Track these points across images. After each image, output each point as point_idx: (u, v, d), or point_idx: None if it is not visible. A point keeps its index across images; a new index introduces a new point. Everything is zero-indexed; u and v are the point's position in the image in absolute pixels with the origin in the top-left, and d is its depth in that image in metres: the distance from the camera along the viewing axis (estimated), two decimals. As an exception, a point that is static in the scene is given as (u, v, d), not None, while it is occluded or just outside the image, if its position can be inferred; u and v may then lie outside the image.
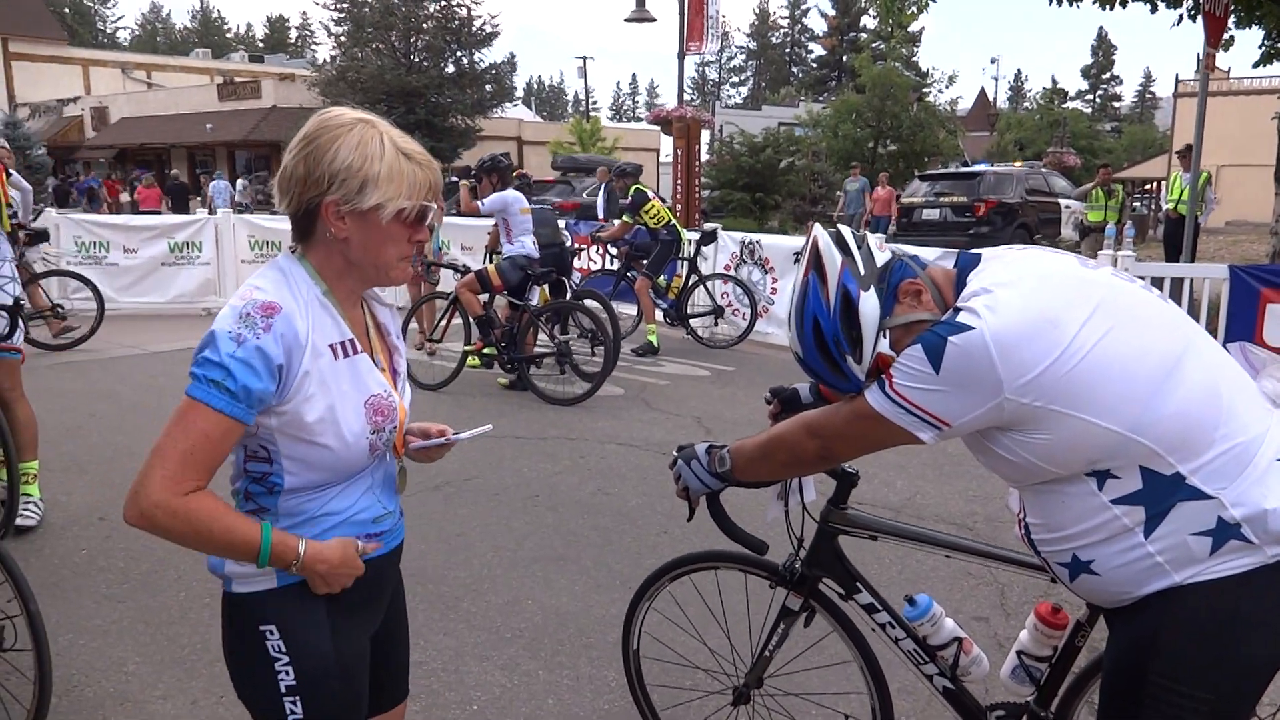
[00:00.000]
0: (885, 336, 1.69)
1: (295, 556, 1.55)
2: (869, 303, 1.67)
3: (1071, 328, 1.51)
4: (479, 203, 7.73)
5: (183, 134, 37.35)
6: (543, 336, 7.61)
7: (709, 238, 9.92)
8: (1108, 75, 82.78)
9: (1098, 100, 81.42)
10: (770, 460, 1.89)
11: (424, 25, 31.54)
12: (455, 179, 8.45)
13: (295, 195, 1.56)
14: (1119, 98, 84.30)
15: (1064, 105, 56.48)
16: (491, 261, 8.18)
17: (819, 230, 1.77)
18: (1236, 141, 23.88)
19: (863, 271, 1.70)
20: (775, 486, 2.21)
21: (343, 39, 32.26)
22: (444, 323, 7.83)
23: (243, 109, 36.03)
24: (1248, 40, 26.43)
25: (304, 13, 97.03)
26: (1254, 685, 1.57)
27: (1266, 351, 1.70)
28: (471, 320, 7.57)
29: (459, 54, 32.37)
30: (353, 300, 1.66)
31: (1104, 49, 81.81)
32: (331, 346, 1.57)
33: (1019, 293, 1.55)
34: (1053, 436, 1.53)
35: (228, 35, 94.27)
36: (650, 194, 9.28)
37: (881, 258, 1.73)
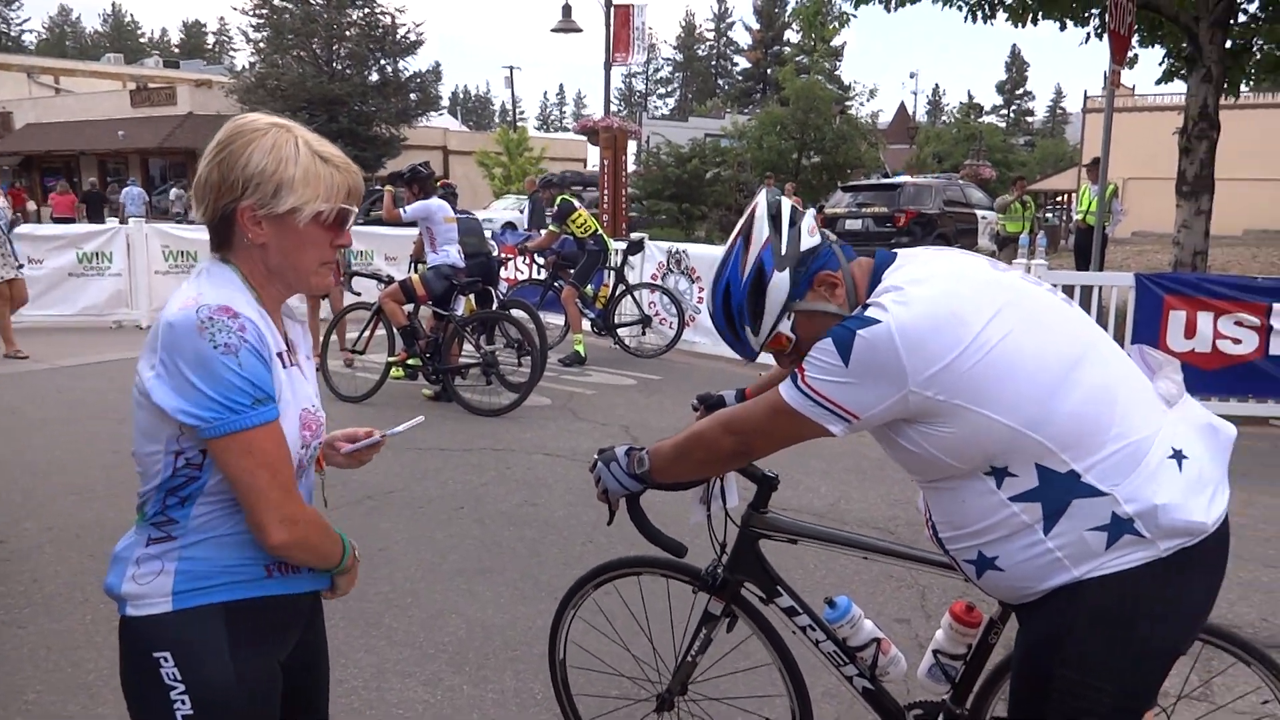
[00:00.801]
0: (789, 318, 1.74)
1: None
2: (779, 283, 1.73)
3: (976, 325, 1.55)
4: (401, 210, 7.63)
5: (93, 141, 36.12)
6: (468, 347, 7.53)
7: (636, 247, 9.94)
8: (1021, 91, 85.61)
9: (1012, 115, 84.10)
10: (687, 459, 1.89)
11: (346, 33, 31.09)
12: (379, 187, 8.30)
13: (210, 202, 1.53)
14: (1032, 113, 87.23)
15: (980, 119, 58.12)
16: (416, 271, 8.08)
17: (761, 198, 1.81)
18: (1141, 155, 24.86)
19: (784, 251, 1.73)
20: (697, 490, 2.21)
21: (262, 45, 31.58)
22: (367, 334, 7.70)
23: (157, 116, 34.98)
24: (1151, 58, 27.47)
25: (222, 18, 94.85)
26: (1156, 673, 1.62)
27: (1164, 354, 1.75)
28: (395, 331, 7.45)
29: (383, 62, 31.96)
30: (277, 311, 1.63)
31: (1017, 65, 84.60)
32: (275, 355, 1.54)
33: (928, 290, 1.60)
34: (954, 430, 1.57)
35: (141, 40, 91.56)
36: (577, 204, 9.27)
37: (809, 242, 1.74)
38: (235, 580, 1.55)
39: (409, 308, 7.48)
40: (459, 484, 5.36)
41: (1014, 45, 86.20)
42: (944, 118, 76.11)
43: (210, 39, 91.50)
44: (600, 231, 9.28)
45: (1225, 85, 9.80)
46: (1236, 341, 7.03)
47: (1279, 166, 27.55)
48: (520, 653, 3.45)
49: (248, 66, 33.25)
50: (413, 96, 33.39)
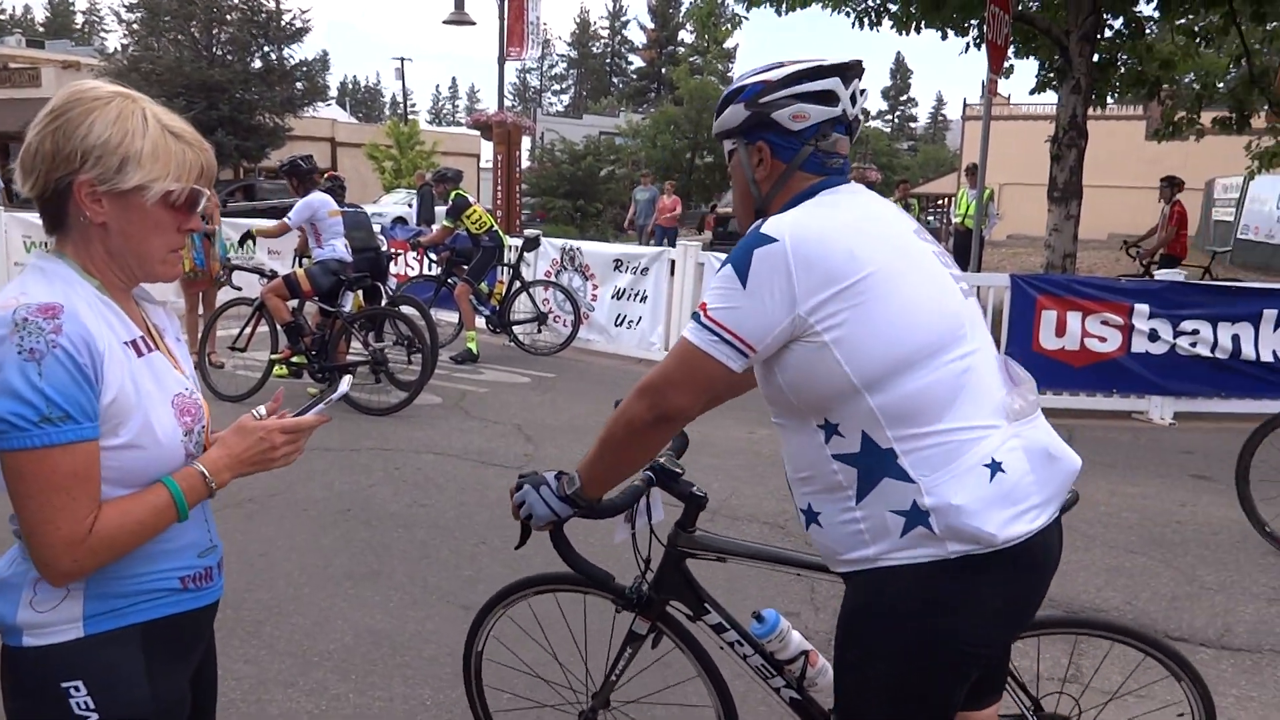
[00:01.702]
0: (731, 145, 1.80)
1: (204, 481, 1.46)
2: (734, 113, 1.75)
3: (866, 269, 1.56)
4: (286, 219, 7.36)
5: (-55, 123, 33.76)
6: (356, 344, 7.32)
7: (532, 244, 9.85)
8: (905, 97, 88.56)
9: (896, 120, 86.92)
10: (613, 448, 1.77)
11: (227, 16, 29.82)
12: (261, 178, 7.98)
13: (41, 175, 1.39)
14: (915, 119, 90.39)
15: (866, 124, 59.75)
16: (301, 266, 7.82)
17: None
18: (1016, 162, 25.98)
19: (761, 100, 1.72)
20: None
21: (136, 26, 30.06)
22: (248, 330, 7.40)
23: (19, 98, 32.81)
24: (1026, 69, 28.83)
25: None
26: (937, 672, 1.63)
27: (1027, 373, 1.77)
28: (279, 327, 7.19)
29: (266, 49, 30.80)
30: (126, 296, 1.51)
31: (901, 73, 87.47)
32: (125, 345, 1.42)
33: (833, 219, 1.62)
34: (807, 366, 1.59)
35: (1, 17, 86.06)
36: (471, 199, 9.13)
37: (787, 122, 1.71)
38: (152, 598, 1.46)
39: (294, 303, 7.23)
40: (345, 485, 5.21)
41: (898, 53, 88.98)
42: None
43: (79, 19, 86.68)
44: (495, 227, 9.16)
45: (1093, 96, 10.33)
46: (1102, 340, 7.42)
47: (1140, 175, 29.26)
48: (408, 658, 3.37)
49: (120, 49, 31.61)
50: (298, 85, 32.28)
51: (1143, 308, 7.36)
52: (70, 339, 1.32)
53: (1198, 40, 11.18)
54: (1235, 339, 7.36)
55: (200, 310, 8.58)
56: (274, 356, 7.24)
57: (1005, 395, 1.65)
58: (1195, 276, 12.50)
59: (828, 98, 1.71)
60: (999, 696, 1.97)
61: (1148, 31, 11.24)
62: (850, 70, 1.73)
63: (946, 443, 1.57)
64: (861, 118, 1.78)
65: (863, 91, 1.76)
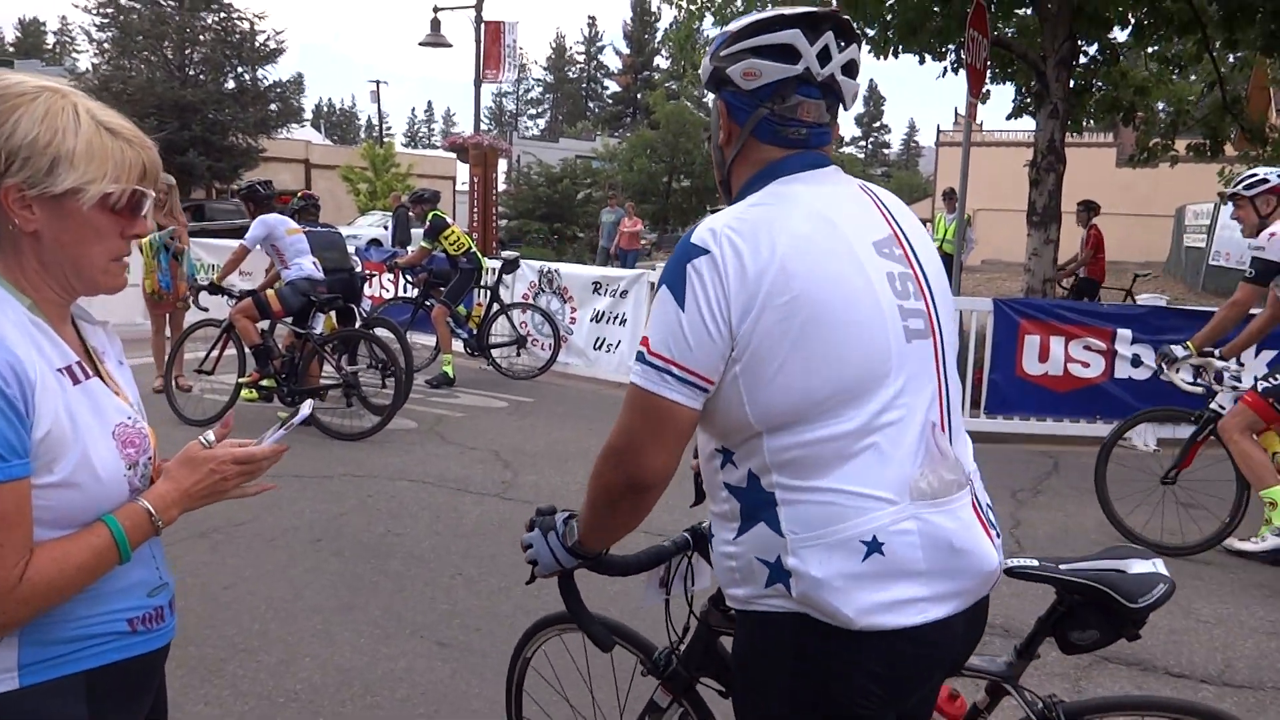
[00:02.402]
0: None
1: (150, 519, 1.33)
2: (705, 64, 1.59)
3: (792, 291, 1.36)
4: (243, 242, 7.16)
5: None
6: (329, 367, 7.13)
7: (511, 266, 9.71)
8: (878, 124, 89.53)
9: (870, 146, 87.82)
10: (596, 508, 1.54)
11: (200, 37, 29.63)
12: (234, 199, 7.79)
13: None
14: (888, 145, 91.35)
15: (840, 150, 60.43)
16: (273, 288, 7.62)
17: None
18: (990, 187, 26.18)
19: (722, 53, 1.53)
20: (656, 570, 1.89)
21: (107, 47, 29.78)
22: (215, 353, 7.19)
23: (-14, 117, 32.44)
24: (1001, 96, 29.07)
25: (63, 17, 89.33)
26: None
27: (962, 450, 1.53)
28: (247, 350, 6.99)
29: (240, 70, 30.61)
30: (62, 316, 1.36)
31: (875, 100, 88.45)
32: (59, 372, 1.27)
33: (772, 224, 1.41)
34: (716, 390, 1.43)
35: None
36: (449, 220, 8.99)
37: (740, 81, 1.52)
38: (97, 643, 1.32)
39: (264, 325, 7.04)
40: (316, 514, 5.01)
41: (871, 80, 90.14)
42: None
43: (50, 39, 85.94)
44: (474, 249, 9.02)
45: (1068, 121, 10.38)
46: (1085, 365, 7.37)
47: (1112, 201, 29.61)
48: (380, 699, 3.18)
49: (91, 68, 31.29)
50: (273, 107, 32.11)
51: (1125, 332, 7.33)
52: None
53: (1171, 67, 11.28)
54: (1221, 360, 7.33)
55: (168, 332, 8.36)
56: (241, 380, 7.03)
57: (913, 468, 1.42)
58: (1116, 298, 12.62)
59: (786, 52, 1.48)
60: None
61: (1121, 58, 11.33)
62: (817, 20, 1.49)
63: (828, 504, 1.39)
64: (844, 79, 1.53)
65: (842, 47, 1.51)
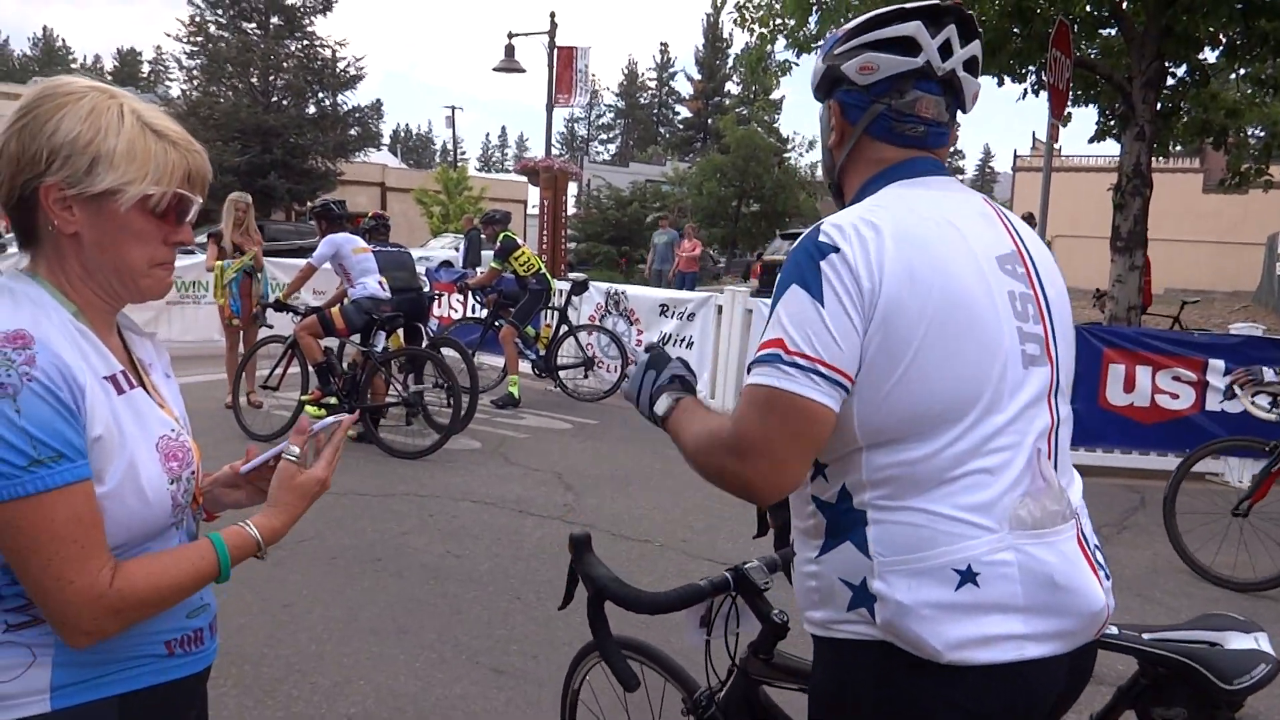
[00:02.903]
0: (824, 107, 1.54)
1: (256, 548, 1.34)
2: (816, 66, 1.53)
3: (921, 300, 1.28)
4: (310, 260, 7.25)
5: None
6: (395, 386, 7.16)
7: (580, 287, 9.68)
8: (952, 150, 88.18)
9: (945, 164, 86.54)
10: (694, 461, 1.42)
11: (284, 64, 30.55)
12: (310, 220, 7.91)
13: (7, 179, 1.22)
14: (962, 170, 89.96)
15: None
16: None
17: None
18: (1068, 213, 25.56)
19: (837, 51, 1.49)
20: (697, 607, 1.78)
21: (196, 74, 30.90)
22: (280, 369, 7.28)
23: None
24: (1081, 119, 28.51)
25: (158, 46, 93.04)
26: None
27: (1057, 483, 1.38)
28: (310, 367, 7.05)
29: (321, 95, 31.47)
30: (108, 324, 1.32)
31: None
32: (104, 380, 1.23)
33: (899, 226, 1.33)
34: None
35: (73, 66, 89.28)
36: (519, 241, 9.01)
37: (855, 75, 1.46)
38: (132, 665, 1.27)
39: (331, 342, 7.11)
40: (377, 533, 4.99)
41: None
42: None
43: (145, 67, 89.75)
44: (543, 270, 9.02)
45: (1154, 145, 10.02)
46: (1174, 396, 7.03)
47: (1196, 229, 28.67)
48: (434, 726, 3.11)
49: (180, 95, 32.54)
50: (352, 131, 32.93)
51: (1217, 363, 6.97)
52: (45, 370, 1.14)
53: (1265, 89, 10.81)
54: (1321, 400, 6.93)
55: (241, 349, 8.51)
56: (304, 398, 7.10)
57: (1015, 496, 1.32)
58: (1164, 324, 12.02)
59: (905, 45, 1.42)
60: None
61: (1212, 79, 10.91)
62: (940, 14, 1.42)
63: (921, 526, 1.30)
64: (965, 75, 1.46)
65: (965, 42, 1.44)
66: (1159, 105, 9.74)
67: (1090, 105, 11.12)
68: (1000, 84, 10.60)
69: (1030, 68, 10.34)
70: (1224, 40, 9.78)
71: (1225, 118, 10.87)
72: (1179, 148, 11.74)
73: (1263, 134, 11.84)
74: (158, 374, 1.40)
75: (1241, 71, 10.66)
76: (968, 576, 1.29)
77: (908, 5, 1.43)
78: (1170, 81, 10.38)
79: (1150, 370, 7.01)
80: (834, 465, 1.37)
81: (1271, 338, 7.40)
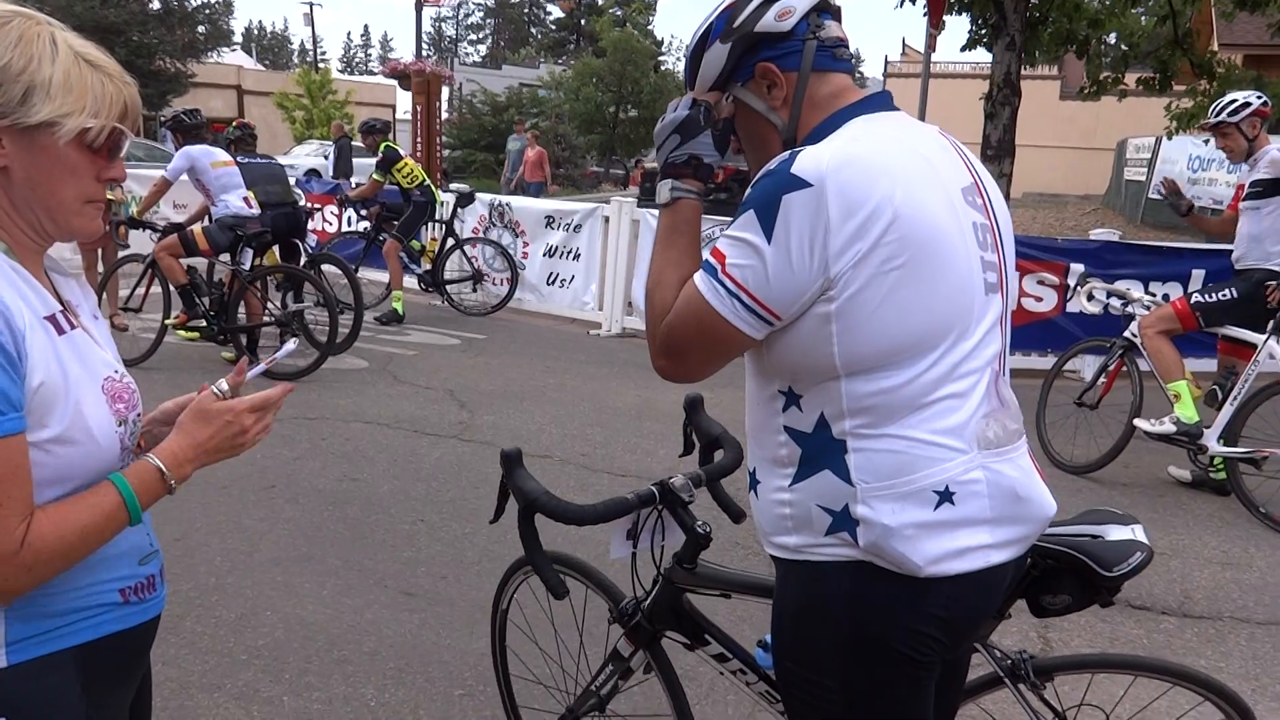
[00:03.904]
0: (729, 102, 1.53)
1: (162, 478, 1.25)
2: (715, 56, 1.50)
3: (906, 226, 1.31)
4: (164, 174, 6.77)
5: None
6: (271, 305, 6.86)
7: (467, 199, 9.41)
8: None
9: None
10: (647, 297, 1.50)
11: (121, -47, 28.10)
12: (166, 129, 7.32)
13: None
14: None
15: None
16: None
17: None
18: (938, 120, 26.13)
19: (737, 22, 1.47)
20: (623, 521, 1.79)
21: (19, -38, 28.07)
22: (142, 290, 6.87)
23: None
24: (954, 27, 29.07)
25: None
26: (891, 681, 1.43)
27: (1014, 399, 1.50)
28: (173, 289, 6.68)
29: (165, -11, 29.16)
30: (37, 263, 1.25)
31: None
32: (44, 320, 1.18)
33: (880, 154, 1.35)
34: (796, 329, 1.37)
35: None
36: (402, 151, 8.66)
37: (773, 25, 1.46)
38: (88, 616, 1.25)
39: (195, 261, 6.73)
40: (268, 459, 4.84)
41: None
42: (753, 77, 77.80)
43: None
44: (428, 182, 8.72)
45: (1022, 55, 10.32)
46: (1039, 299, 7.43)
47: (1055, 135, 29.89)
48: (348, 653, 3.09)
49: (2, -15, 29.52)
50: (201, 29, 30.71)
51: (1078, 267, 7.37)
52: None
53: (1124, 1, 11.26)
54: (1166, 298, 7.43)
55: (100, 268, 7.98)
56: (169, 321, 6.73)
57: (981, 418, 1.41)
58: None
59: None
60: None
61: (1077, -10, 11.27)
62: None
63: (901, 452, 1.37)
64: None
65: None
66: (1027, 15, 10.02)
67: (963, 14, 11.33)
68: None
69: (907, -26, 10.44)
70: (1088, -49, 10.10)
71: (1088, 27, 11.28)
72: (1041, 56, 12.14)
73: (1121, 44, 12.36)
74: (85, 315, 1.33)
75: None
76: (945, 496, 1.37)
77: None
78: (1038, -8, 10.68)
79: (1018, 275, 7.37)
80: (810, 395, 1.40)
81: (1126, 242, 7.86)
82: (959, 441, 1.38)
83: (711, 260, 1.37)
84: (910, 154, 1.39)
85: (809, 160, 1.32)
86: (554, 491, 1.68)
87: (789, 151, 1.37)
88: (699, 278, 1.38)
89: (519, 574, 2.27)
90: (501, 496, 1.73)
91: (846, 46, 1.51)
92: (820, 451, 1.40)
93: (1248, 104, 4.67)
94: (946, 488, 1.37)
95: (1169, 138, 13.16)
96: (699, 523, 1.76)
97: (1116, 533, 1.67)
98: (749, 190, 1.37)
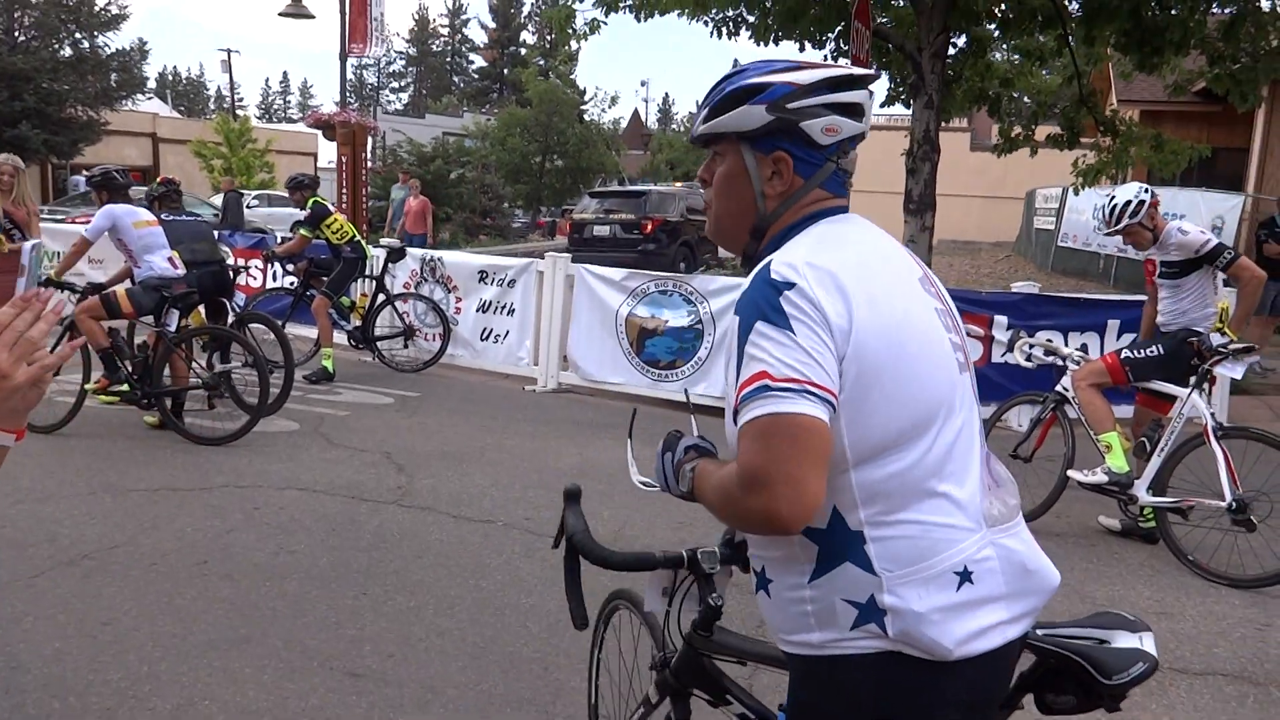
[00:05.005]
0: (721, 145, 1.58)
1: None
2: (751, 113, 1.51)
3: (883, 320, 1.39)
4: (84, 233, 6.55)
5: None
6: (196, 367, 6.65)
7: (398, 254, 9.31)
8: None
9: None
10: (717, 511, 1.48)
11: (31, 0, 27.34)
12: (84, 183, 7.06)
13: None
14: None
15: (709, 129, 60.77)
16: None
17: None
18: (864, 171, 27.06)
19: (790, 106, 1.49)
20: (660, 577, 1.88)
21: (-80, 7, 27.15)
22: (63, 353, 6.59)
23: None
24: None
25: None
26: None
27: (1008, 473, 1.59)
28: (94, 353, 6.43)
29: (78, 35, 28.41)
30: None
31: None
32: None
33: (848, 261, 1.43)
34: None
35: None
36: (331, 206, 8.54)
37: (819, 136, 1.50)
38: None
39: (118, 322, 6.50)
40: (199, 532, 4.66)
41: (735, 60, 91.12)
42: (674, 125, 79.17)
43: None
44: (358, 238, 8.61)
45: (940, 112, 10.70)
46: (966, 351, 7.63)
47: (965, 185, 31.00)
48: (294, 743, 2.97)
49: (-98, 31, 28.46)
50: (114, 76, 29.98)
51: (1001, 319, 7.62)
52: None
53: (1033, 61, 11.78)
54: (1084, 347, 7.72)
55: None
56: (89, 386, 6.48)
57: (983, 496, 1.48)
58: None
59: (857, 111, 1.52)
60: None
61: (987, 50, 11.76)
62: (872, 80, 1.58)
63: (919, 537, 1.41)
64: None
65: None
66: (944, 74, 10.40)
67: (883, 72, 11.71)
68: (801, 49, 10.96)
69: (829, 34, 10.76)
70: (998, 14, 10.56)
71: (999, 86, 11.76)
72: (957, 113, 12.60)
73: (1029, 101, 12.90)
74: None
75: (1013, 43, 11.54)
76: (964, 576, 1.41)
77: (856, 72, 1.54)
78: (951, 51, 11.10)
79: (947, 331, 7.56)
80: None
81: (1047, 294, 8.16)
82: (969, 520, 1.44)
83: (755, 384, 1.33)
84: (871, 252, 1.48)
85: (782, 265, 1.40)
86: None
87: (761, 265, 1.43)
88: (752, 408, 1.32)
89: (615, 603, 2.42)
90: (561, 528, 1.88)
91: (851, 175, 1.58)
92: (839, 545, 1.42)
93: (1141, 201, 4.90)
94: (965, 568, 1.42)
95: (1075, 194, 13.73)
96: (714, 594, 1.83)
97: (1123, 639, 1.66)
98: (738, 318, 1.40)
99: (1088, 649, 1.62)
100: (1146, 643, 1.65)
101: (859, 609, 1.40)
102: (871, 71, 1.57)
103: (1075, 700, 1.65)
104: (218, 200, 24.30)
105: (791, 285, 1.36)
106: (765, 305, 1.37)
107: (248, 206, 22.21)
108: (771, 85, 1.50)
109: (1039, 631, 1.67)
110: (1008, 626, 1.46)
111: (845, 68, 1.54)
